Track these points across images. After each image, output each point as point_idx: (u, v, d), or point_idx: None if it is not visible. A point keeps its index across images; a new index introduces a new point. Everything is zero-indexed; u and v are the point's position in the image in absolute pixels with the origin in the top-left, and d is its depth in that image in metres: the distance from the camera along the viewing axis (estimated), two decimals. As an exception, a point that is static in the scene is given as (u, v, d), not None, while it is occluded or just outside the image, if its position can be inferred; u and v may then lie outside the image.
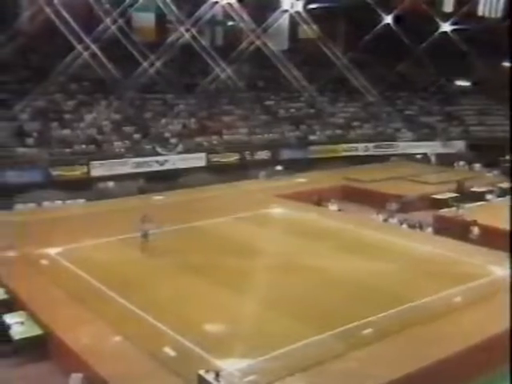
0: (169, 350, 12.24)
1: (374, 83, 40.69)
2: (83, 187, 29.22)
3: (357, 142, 39.28)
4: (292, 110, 41.50)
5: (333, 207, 26.76)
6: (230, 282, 16.16)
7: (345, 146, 38.77)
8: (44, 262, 18.00)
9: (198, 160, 34.25)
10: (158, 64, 34.18)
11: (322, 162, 36.09)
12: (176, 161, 33.49)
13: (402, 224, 24.00)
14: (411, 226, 23.57)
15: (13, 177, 28.51)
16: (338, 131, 40.24)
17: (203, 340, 12.69)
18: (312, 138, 39.21)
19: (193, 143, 35.34)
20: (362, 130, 40.85)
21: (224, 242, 20.16)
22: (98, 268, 17.18)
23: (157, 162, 32.99)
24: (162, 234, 20.50)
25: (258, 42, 37.84)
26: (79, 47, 31.53)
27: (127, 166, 31.89)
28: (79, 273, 16.87)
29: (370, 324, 13.52)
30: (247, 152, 36.07)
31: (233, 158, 35.66)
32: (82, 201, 27.81)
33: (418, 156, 38.31)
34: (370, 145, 39.22)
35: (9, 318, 14.42)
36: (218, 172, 33.49)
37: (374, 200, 27.15)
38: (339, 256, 18.72)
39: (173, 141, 34.71)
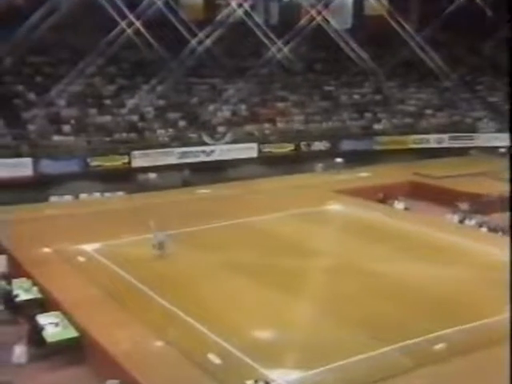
0: (213, 357, 12.43)
1: (452, 66, 39.88)
2: (123, 178, 29.95)
3: (429, 132, 38.66)
4: (355, 96, 41.21)
5: (399, 205, 26.49)
6: (282, 284, 16.27)
7: (415, 136, 38.25)
8: (80, 258, 18.59)
9: (249, 150, 34.55)
10: (206, 44, 34.61)
11: (388, 154, 35.73)
12: (224, 151, 33.91)
13: (480, 227, 23.50)
14: (492, 230, 23.02)
15: (48, 167, 29.57)
16: (408, 120, 39.70)
17: (251, 347, 12.84)
18: (377, 127, 38.87)
19: (243, 132, 35.64)
20: (435, 118, 40.15)
21: (276, 240, 20.32)
22: (137, 266, 17.62)
23: (203, 152, 33.47)
24: (208, 230, 20.88)
25: (318, 19, 37.74)
26: (123, 24, 32.12)
27: (171, 157, 32.53)
28: (118, 271, 17.34)
29: (440, 339, 13.31)
30: (303, 142, 36.10)
31: (287, 148, 35.78)
32: (121, 193, 28.53)
33: (502, 150, 37.28)
34: (445, 136, 38.53)
35: (42, 319, 14.86)
36: (271, 164, 33.63)
37: (447, 199, 26.65)
38: (406, 260, 18.53)
39: (221, 129, 35.10)
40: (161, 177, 31.15)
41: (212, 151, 33.71)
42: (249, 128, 36.14)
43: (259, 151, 34.89)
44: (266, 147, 35.24)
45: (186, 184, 29.89)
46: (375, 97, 41.39)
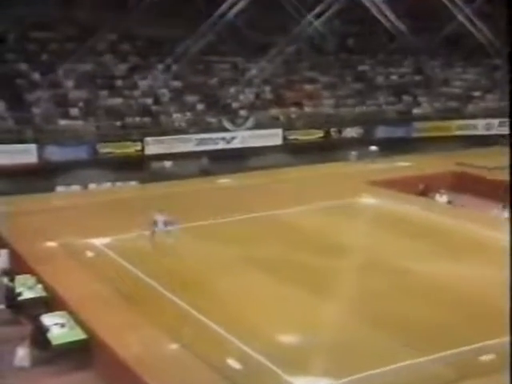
0: (232, 362, 12.54)
1: (504, 41, 39.28)
2: (136, 167, 30.32)
3: (476, 117, 38.33)
4: (392, 77, 40.99)
5: (442, 199, 26.40)
6: (307, 282, 16.36)
7: (460, 122, 37.96)
8: (89, 253, 18.85)
9: (273, 137, 34.62)
10: (227, 18, 34.56)
11: (429, 142, 35.62)
12: (246, 138, 34.00)
13: (533, 224, 23.30)
14: (546, 228, 22.81)
15: (54, 154, 29.90)
16: (452, 103, 39.40)
17: (273, 351, 12.92)
18: (417, 111, 38.65)
19: (267, 117, 35.68)
20: (484, 102, 39.76)
21: (301, 235, 20.43)
22: (150, 262, 17.87)
23: (223, 139, 33.60)
24: (227, 223, 21.07)
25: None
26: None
27: (188, 143, 32.73)
28: (129, 267, 17.55)
29: (487, 349, 13.19)
30: (333, 129, 36.03)
31: (315, 135, 35.76)
32: (133, 183, 28.82)
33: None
34: (495, 121, 38.08)
35: (47, 319, 15.05)
36: (297, 152, 33.78)
37: (495, 192, 26.39)
38: (445, 259, 18.47)
39: (243, 113, 35.18)
40: (177, 165, 31.38)
41: (233, 138, 33.83)
42: (273, 112, 36.17)
43: (284, 138, 34.93)
44: (292, 134, 35.26)
45: (203, 173, 30.10)
46: (415, 77, 41.13)
